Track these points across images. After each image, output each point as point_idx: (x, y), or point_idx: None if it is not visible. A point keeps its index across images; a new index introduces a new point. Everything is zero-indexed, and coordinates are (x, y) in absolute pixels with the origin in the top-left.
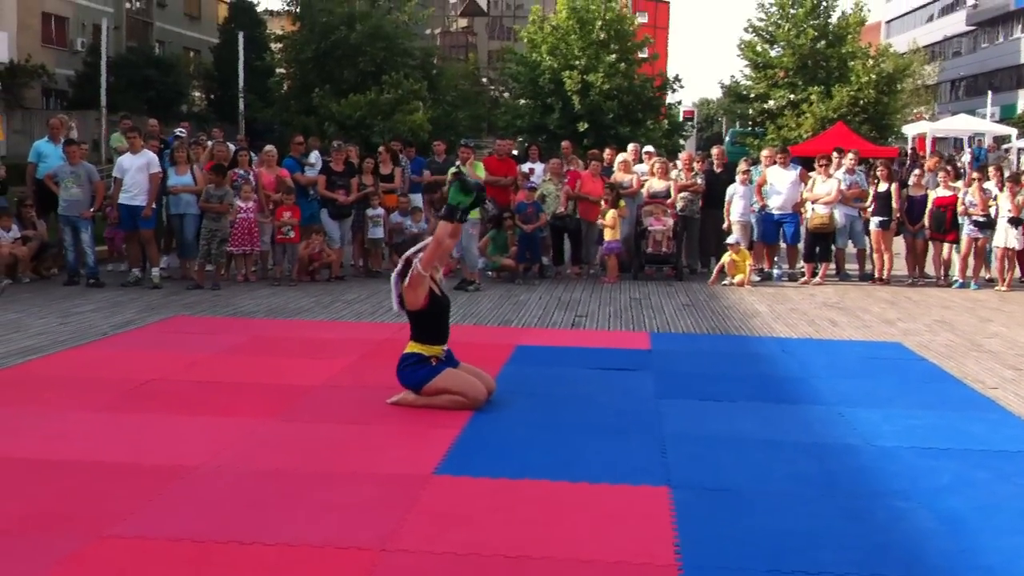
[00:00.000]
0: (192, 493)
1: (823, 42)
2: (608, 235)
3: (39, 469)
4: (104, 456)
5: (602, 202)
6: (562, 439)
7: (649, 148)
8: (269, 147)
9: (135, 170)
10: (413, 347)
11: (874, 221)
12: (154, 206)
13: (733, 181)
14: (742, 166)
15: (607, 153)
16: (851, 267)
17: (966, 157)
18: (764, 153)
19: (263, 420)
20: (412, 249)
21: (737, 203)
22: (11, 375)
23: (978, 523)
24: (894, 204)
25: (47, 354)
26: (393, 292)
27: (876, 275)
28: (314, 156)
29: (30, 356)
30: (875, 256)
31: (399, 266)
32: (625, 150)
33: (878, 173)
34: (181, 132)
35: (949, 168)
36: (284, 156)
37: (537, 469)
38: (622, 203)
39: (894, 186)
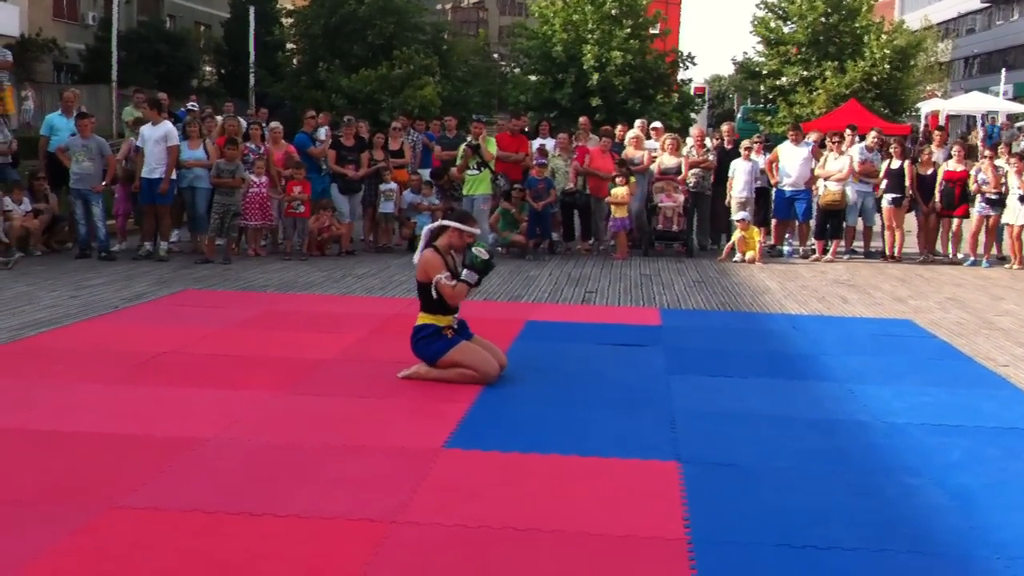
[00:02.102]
0: (203, 465)
1: (836, 17)
2: (618, 212)
3: (51, 440)
4: (116, 428)
5: (616, 180)
6: (572, 414)
7: (657, 124)
8: (275, 124)
9: (152, 142)
10: (424, 318)
11: (886, 198)
12: (173, 178)
13: None
14: (746, 143)
15: (618, 129)
16: (859, 244)
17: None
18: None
19: (274, 393)
20: (437, 223)
21: (739, 179)
22: (23, 347)
23: (988, 500)
24: (907, 182)
25: (58, 327)
26: (422, 243)
27: (887, 252)
28: (323, 133)
29: (41, 329)
30: (886, 233)
31: (428, 228)
32: (634, 126)
33: (891, 150)
34: (193, 106)
35: (959, 142)
36: (295, 131)
37: (547, 443)
38: (632, 179)
39: (907, 163)
